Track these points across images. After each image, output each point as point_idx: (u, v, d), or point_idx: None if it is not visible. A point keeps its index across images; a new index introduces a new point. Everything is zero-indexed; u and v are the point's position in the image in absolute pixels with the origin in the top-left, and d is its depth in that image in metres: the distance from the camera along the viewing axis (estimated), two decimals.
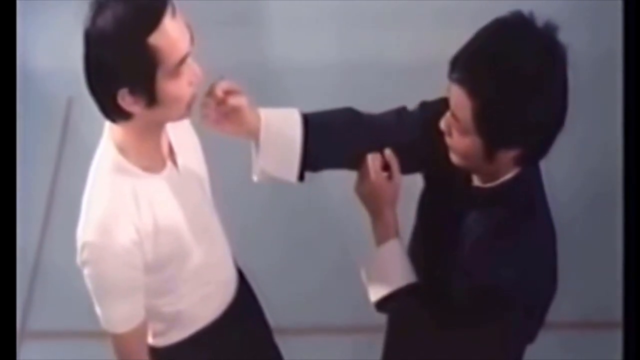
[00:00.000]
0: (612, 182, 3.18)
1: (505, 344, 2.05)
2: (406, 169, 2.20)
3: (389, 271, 2.13)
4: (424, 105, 2.20)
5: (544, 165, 2.08)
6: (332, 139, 2.15)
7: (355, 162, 2.16)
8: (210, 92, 2.07)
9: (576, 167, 3.85)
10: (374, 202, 2.13)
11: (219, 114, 2.09)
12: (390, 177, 2.13)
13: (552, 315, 3.39)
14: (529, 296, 1.99)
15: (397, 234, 2.15)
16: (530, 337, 2.17)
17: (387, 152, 2.12)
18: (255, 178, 2.20)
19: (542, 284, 2.04)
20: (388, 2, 4.47)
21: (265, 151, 2.13)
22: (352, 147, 2.15)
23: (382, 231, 2.14)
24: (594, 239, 3.67)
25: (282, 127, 2.13)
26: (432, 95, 2.12)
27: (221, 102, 2.08)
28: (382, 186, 2.12)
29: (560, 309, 3.47)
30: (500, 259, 1.95)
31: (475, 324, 1.98)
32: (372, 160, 2.12)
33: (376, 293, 2.15)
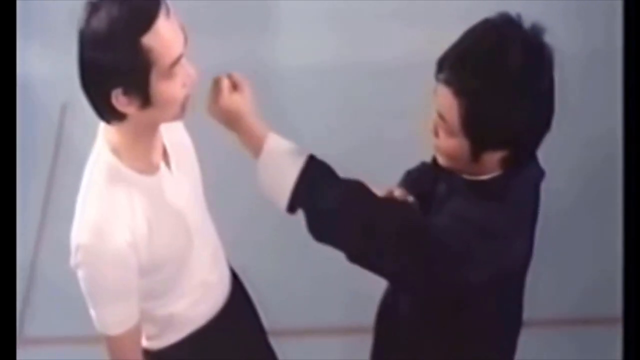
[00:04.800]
0: (612, 177, 3.23)
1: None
2: None
3: (283, 164, 2.09)
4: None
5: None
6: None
7: None
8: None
9: (576, 161, 3.94)
10: (233, 118, 2.12)
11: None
12: (237, 90, 2.12)
13: (552, 311, 3.50)
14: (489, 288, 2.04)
15: (268, 132, 2.11)
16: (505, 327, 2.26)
17: (234, 74, 2.12)
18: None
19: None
20: (387, 3, 4.55)
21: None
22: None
23: (254, 140, 2.12)
24: (594, 235, 3.74)
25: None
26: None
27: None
28: (235, 101, 2.11)
29: (560, 304, 3.58)
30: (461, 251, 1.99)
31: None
32: (221, 82, 2.11)
33: (283, 193, 2.08)
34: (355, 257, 2.07)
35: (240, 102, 2.11)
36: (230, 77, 2.13)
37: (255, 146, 2.13)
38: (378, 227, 2.02)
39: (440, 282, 2.01)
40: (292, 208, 2.11)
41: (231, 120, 2.12)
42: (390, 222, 2.02)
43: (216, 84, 2.12)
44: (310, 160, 2.10)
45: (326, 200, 2.06)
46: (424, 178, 2.26)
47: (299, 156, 2.10)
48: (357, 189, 2.09)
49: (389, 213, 2.05)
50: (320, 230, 2.08)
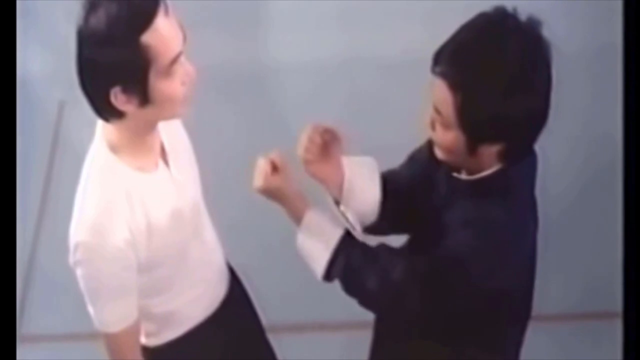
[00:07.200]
0: (611, 172, 3.22)
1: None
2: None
3: (319, 239, 2.24)
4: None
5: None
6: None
7: None
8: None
9: (577, 160, 3.94)
10: (275, 196, 2.25)
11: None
12: (276, 171, 2.24)
13: (552, 306, 3.53)
14: (497, 287, 2.10)
15: (308, 207, 2.27)
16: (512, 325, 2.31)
17: (274, 155, 2.24)
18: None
19: (513, 279, 2.15)
20: (386, 1, 4.57)
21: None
22: None
23: (295, 213, 2.26)
24: (593, 230, 3.76)
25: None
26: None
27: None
28: (276, 181, 2.22)
29: (559, 299, 3.62)
30: (469, 253, 2.05)
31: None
32: (262, 165, 2.23)
33: (319, 266, 2.25)
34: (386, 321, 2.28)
35: (281, 182, 2.23)
36: (270, 158, 2.23)
37: (296, 218, 2.27)
38: (405, 294, 2.15)
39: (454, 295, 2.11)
40: (328, 278, 2.27)
41: (274, 197, 2.26)
42: (416, 287, 2.12)
43: (258, 166, 2.24)
44: (343, 239, 2.23)
45: (357, 277, 2.20)
46: (425, 169, 2.28)
47: (334, 232, 2.23)
48: (387, 265, 2.18)
49: (412, 279, 2.13)
50: (356, 298, 2.25)
